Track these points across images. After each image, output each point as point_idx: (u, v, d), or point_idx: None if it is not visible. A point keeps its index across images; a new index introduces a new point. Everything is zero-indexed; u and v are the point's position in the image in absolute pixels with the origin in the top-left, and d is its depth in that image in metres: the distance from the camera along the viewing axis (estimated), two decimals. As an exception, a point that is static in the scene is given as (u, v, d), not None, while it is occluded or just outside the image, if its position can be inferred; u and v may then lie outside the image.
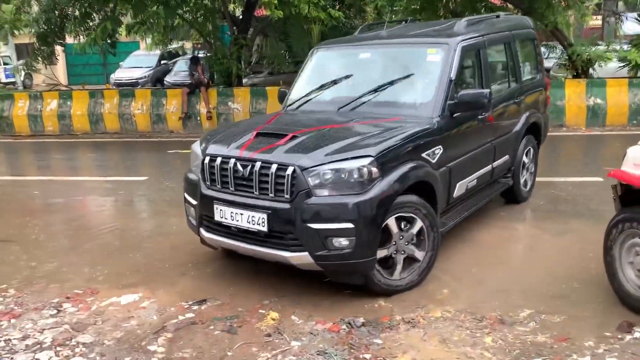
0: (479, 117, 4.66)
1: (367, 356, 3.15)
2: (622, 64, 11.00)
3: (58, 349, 3.35)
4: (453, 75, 4.39)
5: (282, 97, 5.27)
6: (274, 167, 3.67)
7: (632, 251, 3.55)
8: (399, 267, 3.89)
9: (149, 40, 20.99)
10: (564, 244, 4.81)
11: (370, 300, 3.83)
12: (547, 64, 14.33)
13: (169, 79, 20.33)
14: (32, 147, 11.58)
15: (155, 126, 11.97)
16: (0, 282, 4.38)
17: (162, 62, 22.69)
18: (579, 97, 10.35)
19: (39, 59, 13.41)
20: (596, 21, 20.41)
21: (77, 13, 11.88)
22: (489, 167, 5.03)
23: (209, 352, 3.27)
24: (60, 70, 26.34)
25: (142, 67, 22.10)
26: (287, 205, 3.62)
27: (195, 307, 3.86)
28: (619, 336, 3.28)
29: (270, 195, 3.69)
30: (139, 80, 21.12)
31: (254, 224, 3.72)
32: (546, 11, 10.48)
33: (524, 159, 5.75)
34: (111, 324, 3.65)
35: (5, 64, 26.68)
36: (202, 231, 4.15)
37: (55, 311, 3.85)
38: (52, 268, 4.69)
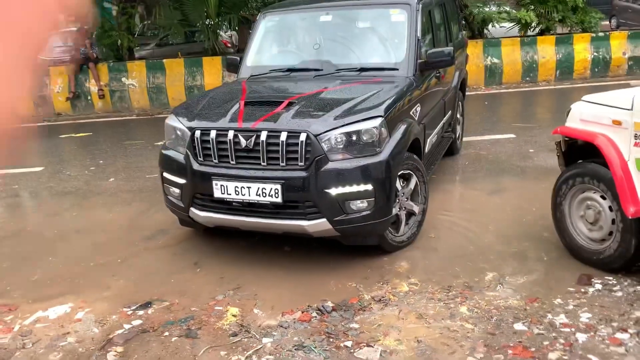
0: (437, 74, 4.84)
1: (349, 343, 2.94)
2: (512, 24, 11.51)
3: (-16, 385, 2.81)
4: (419, 35, 4.47)
5: (232, 64, 5.04)
6: (284, 135, 3.53)
7: (583, 205, 3.63)
8: (403, 222, 3.99)
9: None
10: (502, 202, 4.90)
11: (334, 279, 3.63)
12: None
13: (43, 56, 18.40)
14: None
15: (38, 109, 10.73)
16: None
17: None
18: (478, 57, 10.70)
19: None
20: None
21: None
22: (442, 122, 5.28)
23: (175, 357, 2.90)
24: None
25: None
26: (302, 173, 3.53)
27: (141, 312, 3.42)
28: (582, 290, 3.35)
29: (282, 164, 3.57)
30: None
31: (264, 196, 3.57)
32: (442, -27, 10.65)
33: (458, 112, 6.04)
34: (44, 345, 3.13)
35: None
36: (195, 210, 3.86)
37: (-33, 338, 3.24)
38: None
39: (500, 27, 11.74)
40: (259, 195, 3.59)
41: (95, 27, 11.54)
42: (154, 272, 4.00)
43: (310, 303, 3.37)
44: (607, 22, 19.24)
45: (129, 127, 9.59)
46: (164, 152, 4.13)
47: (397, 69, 4.39)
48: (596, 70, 10.64)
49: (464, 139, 6.78)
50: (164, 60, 10.86)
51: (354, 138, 3.59)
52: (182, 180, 3.90)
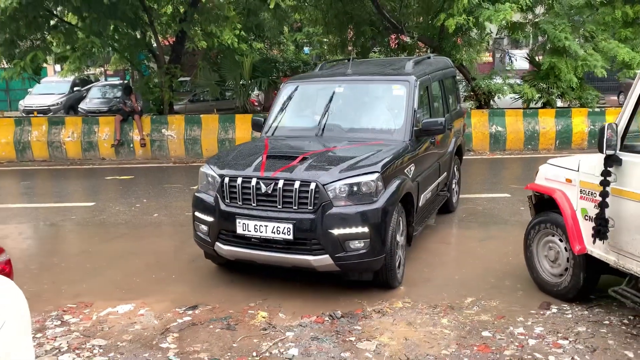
0: (431, 140, 5.60)
1: (352, 338, 3.82)
2: (517, 97, 12.64)
3: (76, 351, 3.73)
4: (416, 106, 5.26)
5: (257, 124, 5.85)
6: (297, 183, 4.25)
7: (546, 246, 4.52)
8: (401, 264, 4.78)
9: (58, 67, 20.54)
10: (489, 246, 5.79)
11: (344, 297, 4.52)
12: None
13: (83, 106, 19.90)
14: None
15: (86, 153, 11.97)
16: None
17: (75, 88, 22.21)
18: (483, 125, 11.79)
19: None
20: (489, 57, 22.77)
21: (1, 40, 11.71)
22: (436, 182, 6.00)
23: (217, 344, 3.80)
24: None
25: (53, 94, 21.45)
26: (311, 216, 4.21)
27: (190, 312, 4.34)
28: (541, 312, 4.20)
29: (294, 207, 4.25)
30: (51, 107, 20.48)
31: (278, 234, 4.25)
32: (452, 50, 11.93)
33: (454, 175, 6.89)
34: (118, 329, 4.06)
35: None
36: (219, 245, 4.55)
37: (59, 322, 4.18)
38: (34, 290, 4.88)
39: (510, 97, 12.82)
40: (274, 232, 4.27)
41: (140, 83, 12.98)
42: (199, 285, 4.93)
43: (324, 311, 4.27)
44: (616, 98, 20.49)
45: (166, 173, 10.72)
46: (197, 194, 4.86)
47: (395, 134, 5.15)
48: (592, 141, 11.59)
49: (463, 195, 7.71)
50: (201, 116, 12.14)
51: (355, 189, 4.29)
52: (210, 219, 4.60)
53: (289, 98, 5.95)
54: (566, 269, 4.32)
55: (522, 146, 11.74)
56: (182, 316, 4.27)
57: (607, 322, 3.98)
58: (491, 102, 12.71)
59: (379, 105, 5.57)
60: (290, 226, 4.22)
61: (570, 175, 4.25)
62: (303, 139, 5.35)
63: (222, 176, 4.57)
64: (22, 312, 2.34)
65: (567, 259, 4.29)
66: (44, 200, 8.82)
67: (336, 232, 4.19)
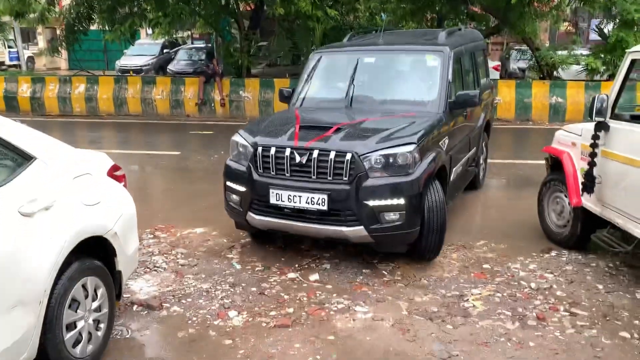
0: (464, 113, 5.55)
1: (375, 261, 4.76)
2: (582, 69, 12.74)
3: (164, 255, 4.94)
4: (450, 78, 5.17)
5: (284, 96, 5.73)
6: (333, 153, 4.22)
7: (555, 201, 5.22)
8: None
9: (149, 30, 22.28)
10: (515, 204, 6.50)
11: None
12: (524, 64, 16.13)
13: (171, 67, 21.57)
14: (66, 125, 12.98)
15: (173, 110, 13.47)
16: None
17: (165, 50, 23.99)
18: (544, 95, 12.08)
19: (64, 44, 14.78)
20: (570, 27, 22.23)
21: (104, 6, 13.26)
22: (466, 157, 5.93)
23: (268, 258, 4.87)
24: (62, 55, 27.50)
25: (145, 55, 23.33)
26: (346, 186, 4.18)
27: (249, 238, 5.44)
28: (541, 255, 4.95)
29: (329, 178, 4.24)
30: (143, 67, 22.36)
31: (313, 204, 4.24)
32: (518, 21, 12.19)
33: (482, 151, 6.81)
34: (196, 243, 5.25)
35: (9, 47, 27.78)
36: (252, 214, 4.55)
37: (152, 236, 5.43)
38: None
39: (577, 69, 12.87)
40: (308, 203, 4.24)
41: (222, 48, 14.21)
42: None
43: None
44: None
45: (242, 130, 11.97)
46: (229, 163, 4.79)
47: (429, 106, 5.05)
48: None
49: (509, 160, 8.33)
50: (274, 79, 13.23)
51: (391, 160, 4.22)
52: (242, 189, 4.56)
53: (318, 68, 5.77)
54: (568, 221, 5.02)
55: (582, 117, 11.91)
56: (244, 238, 5.38)
57: (594, 264, 4.69)
58: (555, 73, 12.89)
59: (412, 76, 5.48)
60: (325, 197, 4.21)
61: (575, 139, 4.91)
62: (334, 110, 5.23)
63: (254, 145, 4.53)
64: (132, 210, 3.51)
65: (569, 212, 4.99)
66: (138, 148, 10.30)
67: (371, 203, 4.17)
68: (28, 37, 31.59)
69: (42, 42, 32.13)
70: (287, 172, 4.36)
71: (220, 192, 5.94)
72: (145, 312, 3.90)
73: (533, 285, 4.29)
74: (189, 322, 3.75)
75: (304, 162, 4.29)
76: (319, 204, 4.23)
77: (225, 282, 4.38)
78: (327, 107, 5.37)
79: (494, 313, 3.85)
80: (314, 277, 4.46)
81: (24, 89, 14.15)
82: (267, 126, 4.90)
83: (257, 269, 4.65)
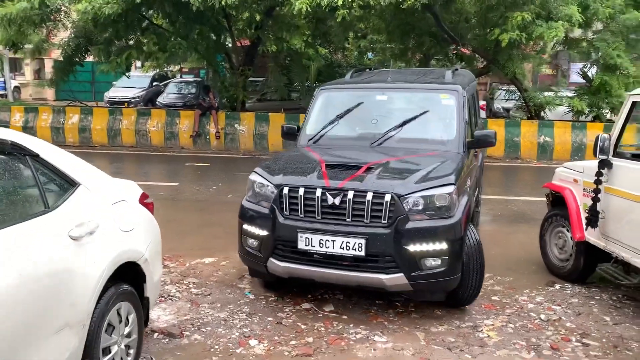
0: (475, 153, 5.50)
1: (386, 293, 4.84)
2: (568, 109, 13.22)
3: (177, 285, 4.96)
4: (466, 117, 5.06)
5: (290, 133, 5.47)
6: (370, 195, 3.93)
7: (556, 235, 5.39)
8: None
9: (139, 63, 22.51)
10: (514, 238, 6.67)
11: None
12: (509, 104, 16.67)
13: (161, 99, 21.67)
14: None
15: (167, 142, 13.54)
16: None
17: (154, 83, 24.17)
18: (532, 135, 12.47)
19: (61, 75, 14.89)
20: (548, 70, 23.06)
21: (101, 39, 13.44)
22: (475, 197, 5.77)
23: (284, 287, 4.91)
24: (51, 86, 27.61)
25: (135, 87, 23.46)
26: (385, 230, 3.88)
27: (260, 267, 5.49)
28: (546, 287, 5.09)
29: (366, 221, 3.93)
30: (132, 100, 22.46)
31: (348, 250, 3.91)
32: (507, 62, 12.66)
33: (480, 189, 6.89)
34: (206, 274, 5.28)
35: (-3, 77, 27.74)
36: (274, 261, 4.18)
37: (162, 266, 5.43)
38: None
39: (564, 110, 13.36)
40: (343, 248, 3.90)
41: (218, 82, 14.47)
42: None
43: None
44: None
45: (237, 163, 12.07)
46: (246, 205, 4.43)
47: (449, 145, 4.85)
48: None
49: (503, 197, 8.55)
50: (269, 114, 13.45)
51: (430, 202, 3.96)
52: (264, 232, 4.19)
53: (329, 105, 5.55)
54: (571, 255, 5.19)
55: (569, 156, 12.29)
56: (254, 269, 5.42)
57: (598, 297, 4.84)
58: (542, 114, 13.33)
59: (428, 115, 5.20)
60: (363, 241, 3.89)
61: (577, 176, 5.12)
62: (354, 149, 5.00)
63: (279, 186, 4.21)
64: (159, 237, 3.58)
65: (572, 246, 5.16)
66: (135, 178, 10.14)
67: (412, 248, 3.88)
68: (15, 67, 31.61)
69: (28, 72, 32.23)
70: (318, 215, 4.04)
71: (225, 223, 6.21)
72: (167, 340, 3.91)
73: (542, 316, 4.41)
74: (211, 350, 3.78)
75: (337, 203, 3.99)
76: (355, 250, 3.91)
77: (242, 311, 4.42)
78: (345, 145, 5.12)
79: (509, 343, 3.95)
80: (329, 307, 4.52)
81: (17, 119, 14.15)
82: (287, 164, 4.62)
83: (270, 299, 4.69)
